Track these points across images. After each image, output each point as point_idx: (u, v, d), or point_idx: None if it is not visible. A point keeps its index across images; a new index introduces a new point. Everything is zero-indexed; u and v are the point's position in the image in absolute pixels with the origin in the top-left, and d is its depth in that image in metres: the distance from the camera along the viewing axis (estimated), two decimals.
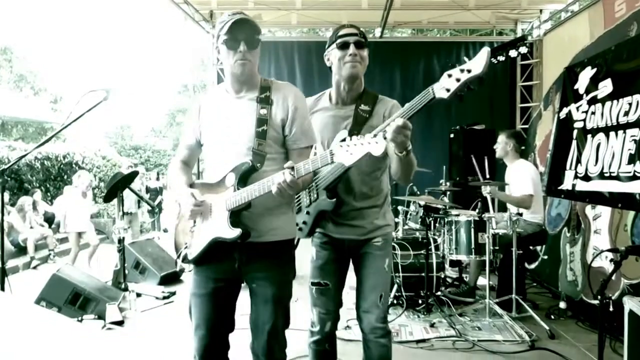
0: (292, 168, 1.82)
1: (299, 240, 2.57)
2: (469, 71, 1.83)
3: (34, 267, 7.91)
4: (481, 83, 1.85)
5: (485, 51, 1.81)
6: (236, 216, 1.98)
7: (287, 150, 2.12)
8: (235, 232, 1.95)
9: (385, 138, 1.66)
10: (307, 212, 2.41)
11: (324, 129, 2.39)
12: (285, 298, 2.16)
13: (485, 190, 4.54)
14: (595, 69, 3.85)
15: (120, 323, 4.39)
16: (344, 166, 2.11)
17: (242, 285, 2.21)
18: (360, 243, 2.41)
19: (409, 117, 1.95)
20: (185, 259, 2.16)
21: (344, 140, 1.76)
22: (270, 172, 1.94)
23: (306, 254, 2.57)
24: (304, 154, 2.08)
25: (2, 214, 3.19)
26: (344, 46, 2.27)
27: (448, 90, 1.85)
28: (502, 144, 4.84)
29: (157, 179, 14.59)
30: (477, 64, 1.82)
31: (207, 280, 2.13)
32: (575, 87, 4.09)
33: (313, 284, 2.49)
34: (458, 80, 1.84)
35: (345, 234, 2.40)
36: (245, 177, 1.98)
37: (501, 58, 7.35)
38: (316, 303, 2.50)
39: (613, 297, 2.61)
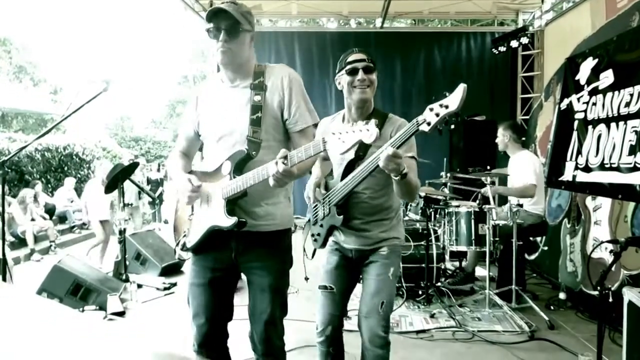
0: (285, 157, 1.80)
1: (315, 251, 2.70)
2: (446, 107, 1.93)
3: (37, 261, 7.91)
4: (457, 118, 1.95)
5: (461, 88, 1.90)
6: (232, 205, 1.98)
7: (289, 134, 2.11)
8: (231, 221, 1.94)
9: (377, 126, 1.66)
10: (321, 225, 2.51)
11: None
12: (282, 287, 2.17)
13: (487, 193, 4.54)
14: (596, 60, 3.84)
15: (121, 314, 4.41)
16: (353, 184, 2.25)
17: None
18: (367, 253, 2.47)
19: (398, 146, 2.04)
20: (184, 247, 2.18)
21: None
22: (267, 160, 1.92)
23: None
24: (306, 135, 2.07)
25: (3, 206, 3.20)
26: (353, 72, 2.36)
27: (429, 124, 1.95)
28: (501, 137, 4.86)
29: (158, 170, 14.60)
30: (454, 100, 1.93)
31: (204, 270, 2.14)
32: (577, 77, 4.08)
33: (320, 287, 2.55)
34: (437, 115, 1.94)
35: (352, 244, 2.48)
36: (240, 166, 1.97)
37: (502, 48, 7.33)
38: (321, 306, 2.54)
39: (612, 288, 2.62)
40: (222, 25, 1.99)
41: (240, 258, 2.10)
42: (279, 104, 2.06)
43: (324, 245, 2.56)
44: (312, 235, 2.58)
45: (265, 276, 2.09)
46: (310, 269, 2.86)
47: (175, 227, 2.29)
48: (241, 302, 2.24)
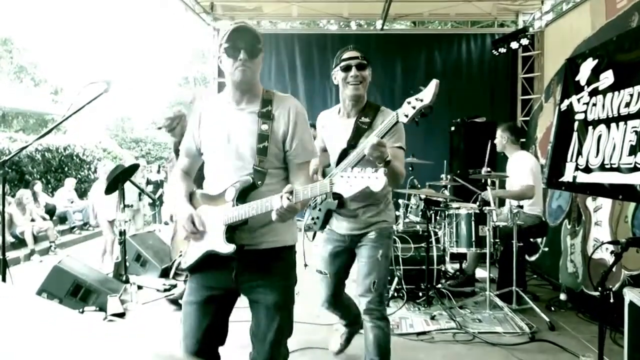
0: (291, 193, 1.78)
1: (315, 233, 2.99)
2: (421, 100, 2.22)
3: (40, 261, 7.89)
4: (431, 110, 2.25)
5: (434, 83, 2.17)
6: (232, 232, 1.95)
7: (288, 164, 2.09)
8: (230, 248, 1.92)
9: (385, 174, 1.70)
10: (319, 209, 2.82)
11: (330, 138, 2.78)
12: (288, 304, 2.10)
13: (487, 196, 4.53)
14: (596, 60, 3.84)
15: (121, 315, 4.41)
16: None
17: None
18: (358, 237, 2.76)
19: (383, 135, 2.34)
20: (178, 267, 2.16)
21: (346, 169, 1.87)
22: (269, 187, 1.94)
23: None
24: (304, 168, 2.09)
25: (3, 206, 3.19)
26: (347, 69, 2.62)
27: (406, 116, 2.26)
28: (499, 138, 4.88)
29: (158, 171, 14.58)
30: (427, 94, 2.20)
31: (201, 288, 2.08)
32: (577, 78, 4.08)
33: (317, 270, 2.98)
34: (414, 107, 2.23)
35: (344, 229, 2.78)
36: (245, 194, 1.95)
37: (502, 50, 7.33)
38: (320, 287, 2.99)
39: (613, 289, 2.62)
40: (243, 44, 1.96)
41: (240, 278, 2.02)
42: (283, 134, 2.04)
43: (322, 227, 2.85)
44: (312, 218, 2.85)
45: (269, 293, 2.02)
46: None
47: (173, 246, 2.28)
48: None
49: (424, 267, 4.57)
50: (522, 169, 4.58)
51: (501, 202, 5.62)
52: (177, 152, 3.99)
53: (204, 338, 2.06)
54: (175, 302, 4.57)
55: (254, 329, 2.06)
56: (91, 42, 34.09)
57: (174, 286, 5.41)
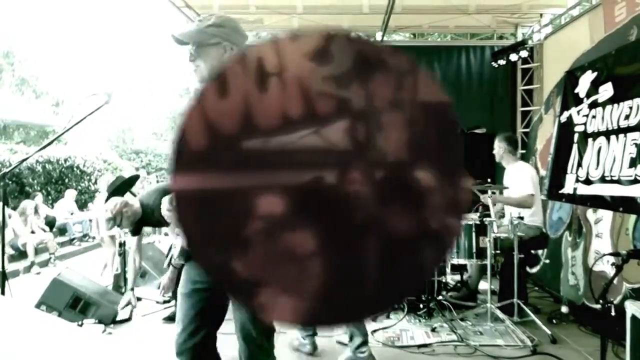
0: None
1: None
2: None
3: (37, 273, 7.86)
4: None
5: None
6: None
7: None
8: None
9: None
10: None
11: None
12: None
13: (486, 201, 4.54)
14: (595, 73, 3.86)
15: (127, 320, 4.39)
16: None
17: None
18: None
19: None
20: (171, 259, 2.22)
21: None
22: None
23: None
24: None
25: (3, 218, 3.19)
26: None
27: None
28: (497, 149, 4.89)
29: (157, 183, 14.59)
30: None
31: (188, 281, 2.20)
32: (576, 91, 4.10)
33: None
34: None
35: None
36: None
37: (502, 62, 7.37)
38: None
39: (615, 302, 2.61)
40: (189, 47, 1.97)
41: None
42: None
43: None
44: None
45: None
46: None
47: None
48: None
49: None
50: (523, 178, 4.57)
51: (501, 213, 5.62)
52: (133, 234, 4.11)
53: (195, 323, 2.16)
54: (172, 318, 4.57)
55: (237, 327, 2.14)
56: (92, 54, 34.25)
57: (174, 297, 5.39)
